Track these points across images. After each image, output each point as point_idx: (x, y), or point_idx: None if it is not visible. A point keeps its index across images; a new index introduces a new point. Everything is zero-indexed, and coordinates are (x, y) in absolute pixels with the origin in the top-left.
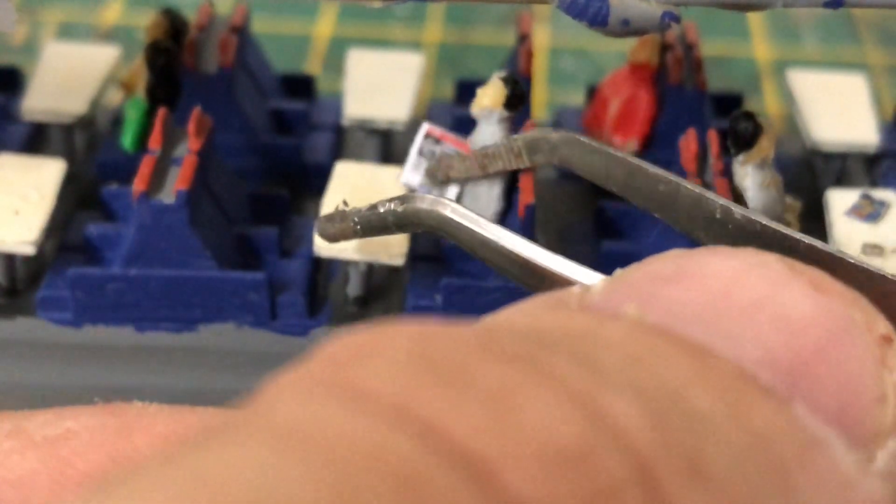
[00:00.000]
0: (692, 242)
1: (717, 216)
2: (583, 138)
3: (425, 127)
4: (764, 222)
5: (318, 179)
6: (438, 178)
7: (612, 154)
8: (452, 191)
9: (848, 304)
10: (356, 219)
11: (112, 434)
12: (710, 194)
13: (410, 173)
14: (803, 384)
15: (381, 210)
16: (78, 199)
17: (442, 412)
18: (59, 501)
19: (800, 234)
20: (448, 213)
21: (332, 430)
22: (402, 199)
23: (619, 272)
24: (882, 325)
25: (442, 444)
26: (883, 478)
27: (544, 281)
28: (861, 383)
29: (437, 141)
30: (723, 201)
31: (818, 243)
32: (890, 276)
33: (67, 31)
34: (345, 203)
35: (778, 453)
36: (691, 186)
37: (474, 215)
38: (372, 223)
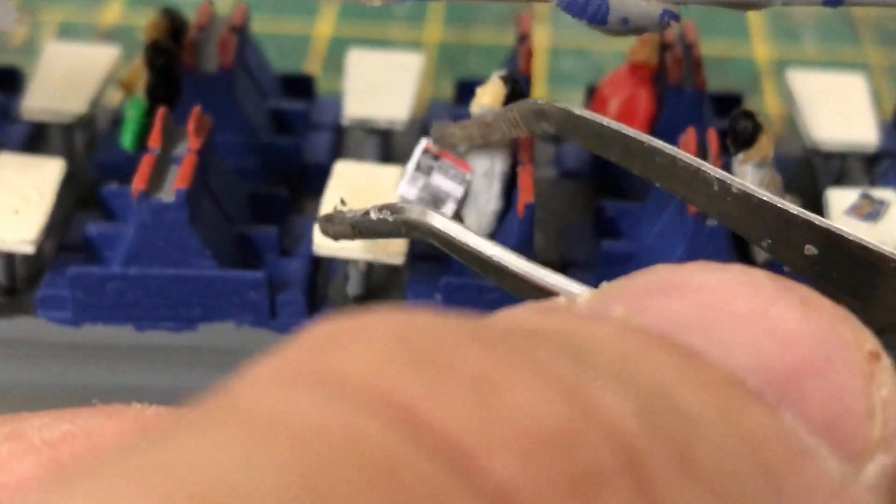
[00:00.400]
0: (693, 243)
1: (715, 188)
2: (577, 110)
3: (423, 143)
4: (762, 196)
5: (317, 179)
6: (444, 145)
7: (606, 126)
8: (450, 206)
9: (837, 321)
10: (351, 222)
11: (111, 437)
12: (706, 167)
13: (407, 186)
14: (792, 396)
15: (374, 217)
16: (78, 199)
17: (420, 397)
18: (23, 497)
19: (798, 208)
20: (436, 223)
21: (305, 418)
22: (392, 209)
23: (605, 285)
24: (870, 342)
25: (420, 430)
26: (870, 491)
27: (531, 291)
28: (850, 398)
29: (436, 157)
30: (720, 174)
31: (816, 218)
32: (888, 254)
33: (67, 31)
34: (342, 202)
35: (768, 457)
36: (688, 159)
37: (459, 227)
38: (367, 228)
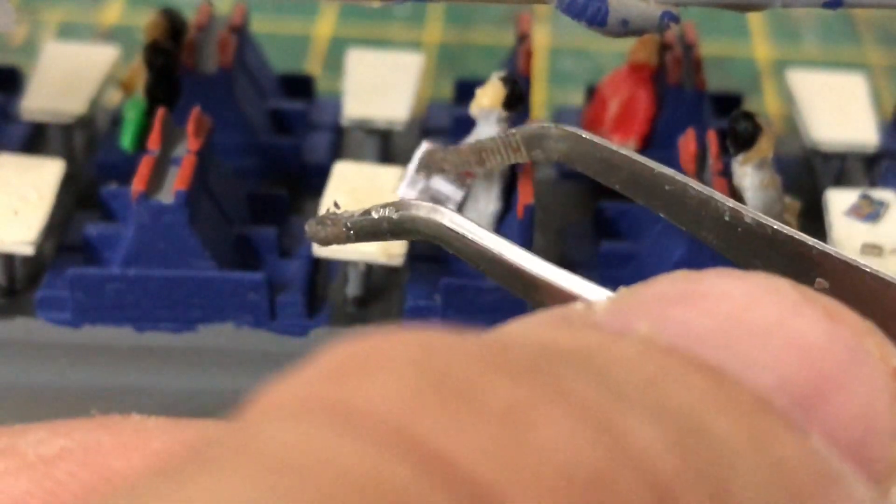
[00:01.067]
0: (693, 243)
1: (726, 219)
2: (584, 134)
3: (424, 145)
4: (776, 226)
5: (317, 179)
6: (432, 170)
7: (614, 151)
8: (450, 207)
9: (862, 335)
10: (348, 223)
11: (108, 452)
12: (718, 196)
13: (407, 189)
14: (818, 414)
15: (375, 216)
16: (77, 200)
17: (447, 436)
18: None
19: (813, 239)
20: (445, 221)
21: (326, 459)
22: (397, 206)
23: (623, 290)
24: (895, 357)
25: (447, 473)
26: None
27: (543, 293)
28: (876, 417)
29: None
30: (731, 203)
31: (831, 250)
32: None
33: (67, 31)
34: (336, 205)
35: (798, 485)
36: (699, 188)
37: (472, 224)
38: (365, 229)
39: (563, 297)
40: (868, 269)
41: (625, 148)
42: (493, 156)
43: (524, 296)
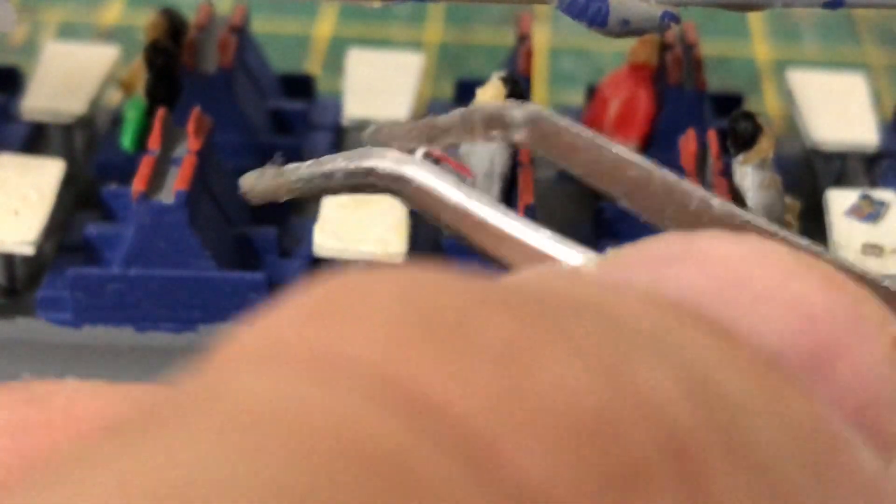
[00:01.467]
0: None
1: (692, 208)
2: (545, 114)
3: (423, 147)
4: (747, 217)
5: None
6: (379, 143)
7: (577, 134)
8: None
9: (861, 301)
10: (293, 176)
11: (37, 433)
12: (686, 184)
13: None
14: (822, 379)
15: (329, 167)
16: (77, 200)
17: (438, 380)
18: None
19: (793, 234)
20: (410, 174)
21: (301, 412)
22: (355, 155)
23: (611, 251)
24: (894, 325)
25: (435, 421)
26: None
27: (523, 257)
28: (878, 386)
29: (436, 161)
30: (701, 192)
31: (805, 243)
32: (893, 288)
33: (67, 31)
34: (281, 157)
35: (811, 448)
36: (665, 174)
37: (443, 177)
38: (314, 181)
39: (542, 261)
40: (852, 267)
41: (588, 130)
42: (446, 135)
43: (498, 258)
